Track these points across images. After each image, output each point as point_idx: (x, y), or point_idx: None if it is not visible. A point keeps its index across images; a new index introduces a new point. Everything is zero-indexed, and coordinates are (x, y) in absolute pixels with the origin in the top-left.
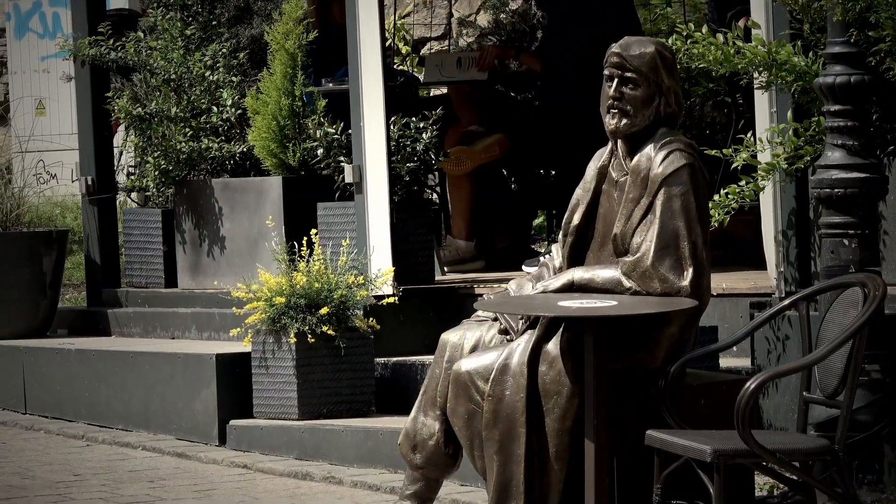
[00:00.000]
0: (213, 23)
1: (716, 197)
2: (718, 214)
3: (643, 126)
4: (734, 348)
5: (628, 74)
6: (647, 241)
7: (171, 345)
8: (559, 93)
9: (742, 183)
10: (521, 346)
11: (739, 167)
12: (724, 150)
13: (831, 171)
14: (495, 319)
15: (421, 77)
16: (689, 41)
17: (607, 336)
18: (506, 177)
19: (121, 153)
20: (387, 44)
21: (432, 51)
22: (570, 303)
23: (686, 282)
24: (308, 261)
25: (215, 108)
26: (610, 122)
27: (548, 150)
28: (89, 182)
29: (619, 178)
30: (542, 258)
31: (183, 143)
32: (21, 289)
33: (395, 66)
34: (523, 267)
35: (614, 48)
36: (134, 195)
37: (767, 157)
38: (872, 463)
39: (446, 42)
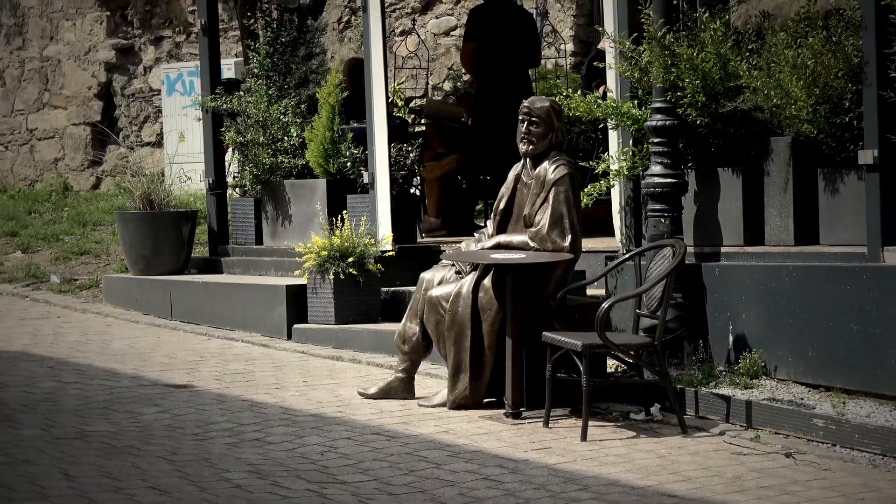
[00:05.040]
0: (286, 86)
1: (586, 189)
2: (586, 199)
3: (542, 150)
4: (595, 284)
5: (533, 118)
6: (544, 219)
7: (259, 279)
8: (490, 134)
9: (601, 182)
10: (468, 280)
11: (600, 173)
12: (591, 163)
13: (654, 177)
14: (453, 265)
15: (423, 111)
16: (568, 99)
17: (519, 275)
18: (460, 180)
19: (229, 165)
20: (389, 100)
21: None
22: (497, 255)
23: (567, 243)
24: (341, 230)
25: (286, 138)
26: (522, 147)
27: (485, 165)
28: (210, 182)
29: (527, 181)
30: (481, 229)
31: (266, 159)
32: (169, 246)
33: (394, 114)
34: (474, 234)
35: (525, 103)
36: (237, 190)
37: (616, 167)
38: (677, 352)
39: (424, 99)
